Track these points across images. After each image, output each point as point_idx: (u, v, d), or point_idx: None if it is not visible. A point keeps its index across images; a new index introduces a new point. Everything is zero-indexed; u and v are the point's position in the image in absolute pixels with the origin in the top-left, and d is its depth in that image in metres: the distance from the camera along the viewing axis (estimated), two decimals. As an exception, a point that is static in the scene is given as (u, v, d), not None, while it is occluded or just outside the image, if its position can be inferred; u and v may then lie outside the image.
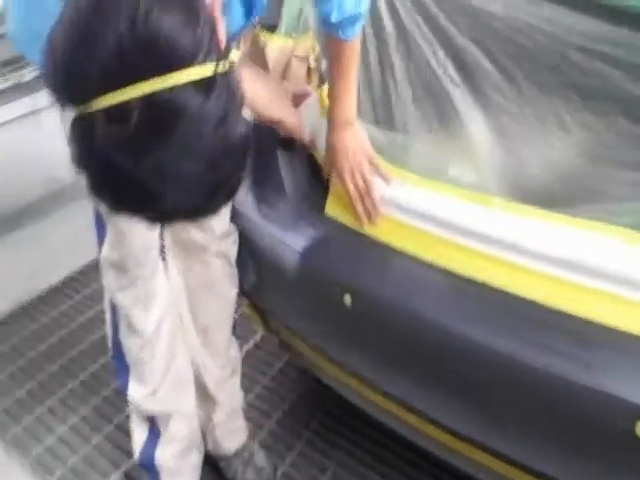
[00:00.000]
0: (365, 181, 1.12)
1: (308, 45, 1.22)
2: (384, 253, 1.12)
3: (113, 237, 1.16)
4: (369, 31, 1.16)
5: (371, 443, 1.55)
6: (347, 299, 1.11)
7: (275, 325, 1.41)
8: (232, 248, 1.33)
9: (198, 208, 0.66)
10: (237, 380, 1.49)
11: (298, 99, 1.24)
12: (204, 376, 1.42)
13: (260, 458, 1.50)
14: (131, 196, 0.61)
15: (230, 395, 1.46)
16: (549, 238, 0.97)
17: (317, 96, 1.22)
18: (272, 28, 1.23)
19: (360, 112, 1.18)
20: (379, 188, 1.11)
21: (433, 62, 1.11)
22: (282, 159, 1.25)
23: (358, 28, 1.03)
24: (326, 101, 1.16)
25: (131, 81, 0.55)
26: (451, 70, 1.10)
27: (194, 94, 0.57)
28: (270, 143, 1.26)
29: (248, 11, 0.96)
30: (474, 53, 1.08)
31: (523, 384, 0.96)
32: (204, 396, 1.42)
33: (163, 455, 1.35)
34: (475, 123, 1.10)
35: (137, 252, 1.17)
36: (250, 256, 1.35)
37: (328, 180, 1.20)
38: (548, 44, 1.01)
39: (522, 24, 1.03)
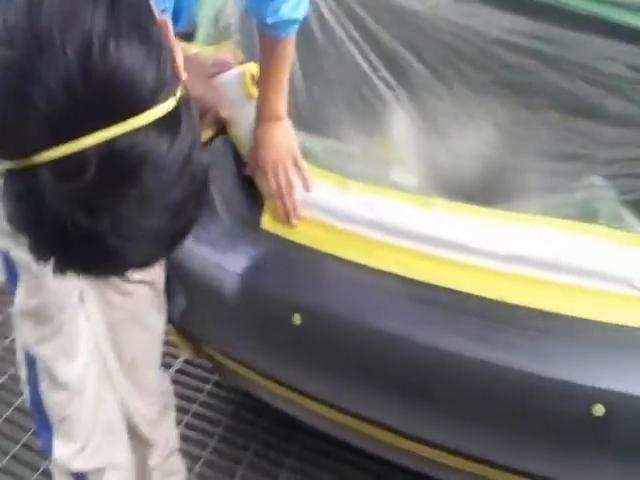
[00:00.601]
0: (287, 180, 1.15)
1: (229, 53, 1.22)
2: (330, 265, 1.14)
3: (28, 283, 1.10)
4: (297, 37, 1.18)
5: (317, 455, 1.59)
6: (297, 318, 1.12)
7: (210, 351, 1.38)
8: (159, 274, 1.30)
9: (157, 257, 0.63)
10: (171, 417, 1.45)
11: (218, 67, 1.23)
12: (135, 418, 1.37)
13: None
14: (85, 255, 0.56)
15: (165, 434, 1.43)
16: (495, 235, 1.03)
17: (239, 71, 1.21)
18: (189, 37, 1.22)
19: (293, 120, 1.20)
20: (300, 190, 1.15)
21: (364, 66, 1.15)
22: (211, 177, 1.23)
23: (293, 30, 1.06)
24: (249, 81, 1.17)
25: (85, 132, 0.49)
26: (383, 73, 1.14)
27: (159, 136, 0.52)
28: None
29: (175, 19, 0.94)
30: (405, 55, 1.13)
31: (480, 382, 1.02)
32: (137, 440, 1.38)
33: None
34: (410, 125, 1.15)
35: (59, 295, 1.13)
36: (180, 282, 1.32)
37: (262, 194, 1.20)
38: (476, 42, 1.09)
39: (450, 24, 1.10)
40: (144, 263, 0.62)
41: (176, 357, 1.80)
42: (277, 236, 1.19)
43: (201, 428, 1.67)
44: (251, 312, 1.21)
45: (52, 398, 1.20)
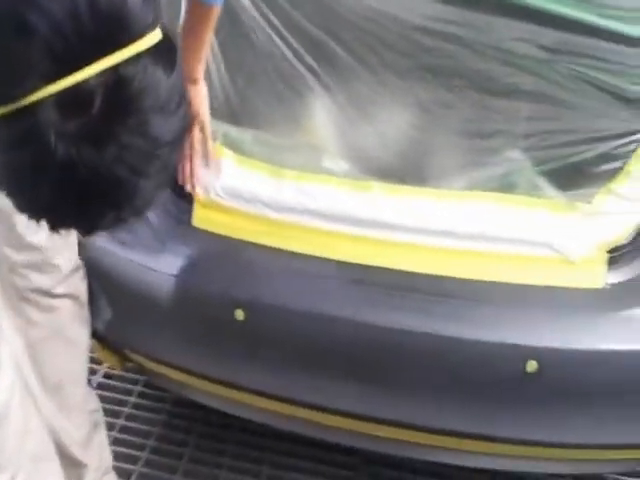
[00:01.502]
0: (191, 147, 1.25)
1: None
2: (267, 257, 1.24)
3: None
4: (221, 27, 1.27)
5: (255, 450, 1.70)
6: (239, 314, 1.20)
7: (140, 359, 1.43)
8: (81, 285, 1.35)
9: (159, 193, 0.68)
10: (102, 435, 1.50)
11: None
12: (64, 440, 1.40)
13: None
14: (92, 196, 0.60)
15: (97, 453, 1.47)
16: (428, 213, 1.18)
17: None
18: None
19: (220, 112, 1.29)
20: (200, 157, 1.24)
21: (288, 55, 1.27)
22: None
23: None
24: None
25: (88, 60, 0.55)
26: (307, 60, 1.26)
27: (157, 65, 0.59)
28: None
29: None
30: (327, 42, 1.27)
31: (423, 354, 1.18)
32: (69, 462, 1.42)
33: None
34: (336, 111, 1.28)
35: None
36: (107, 291, 1.36)
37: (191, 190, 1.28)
38: (397, 29, 1.24)
39: (371, 11, 1.24)
40: (149, 201, 0.67)
41: (95, 371, 1.84)
42: (210, 232, 1.28)
43: (131, 442, 1.72)
44: (189, 313, 1.29)
45: None
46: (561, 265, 1.17)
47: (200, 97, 1.24)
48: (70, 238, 1.29)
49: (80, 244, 1.33)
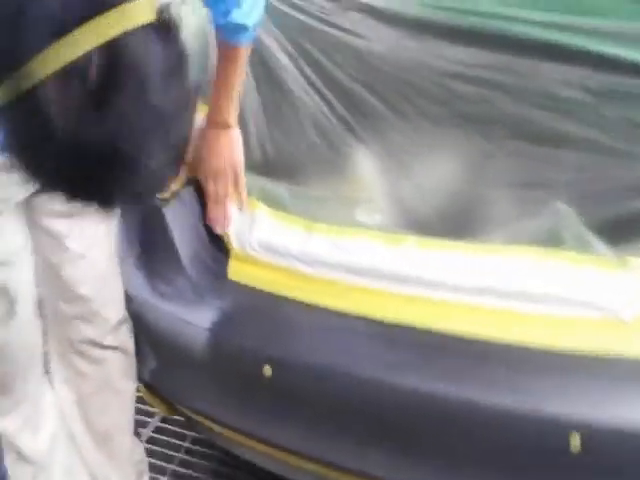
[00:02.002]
0: (224, 191, 1.23)
1: None
2: (298, 311, 1.17)
3: None
4: (252, 82, 1.26)
5: None
6: (267, 370, 1.14)
7: (183, 409, 1.39)
8: (128, 338, 1.34)
9: (166, 170, 0.67)
10: None
11: None
12: None
13: None
14: (103, 170, 0.61)
15: None
16: (465, 269, 1.07)
17: None
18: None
19: (257, 167, 1.26)
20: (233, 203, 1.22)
21: (324, 108, 1.22)
22: (175, 229, 1.28)
23: (245, 38, 1.13)
24: None
25: (83, 19, 0.56)
26: (342, 113, 1.21)
27: (151, 35, 0.60)
28: (160, 216, 1.28)
29: None
30: (362, 94, 1.21)
31: (461, 422, 1.04)
32: None
33: None
34: (372, 163, 1.21)
35: (21, 366, 1.17)
36: (149, 341, 1.34)
37: (227, 244, 1.24)
38: (431, 77, 1.16)
39: (405, 60, 1.18)
40: (156, 179, 0.67)
41: (152, 415, 1.80)
42: (244, 286, 1.23)
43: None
44: (221, 367, 1.23)
45: (16, 473, 1.22)
46: (612, 328, 1.01)
47: (234, 143, 1.22)
48: (117, 291, 1.30)
49: (126, 297, 1.34)
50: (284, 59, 1.26)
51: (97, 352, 1.28)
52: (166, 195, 1.27)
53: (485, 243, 1.08)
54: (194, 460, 1.70)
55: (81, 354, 1.28)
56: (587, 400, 0.97)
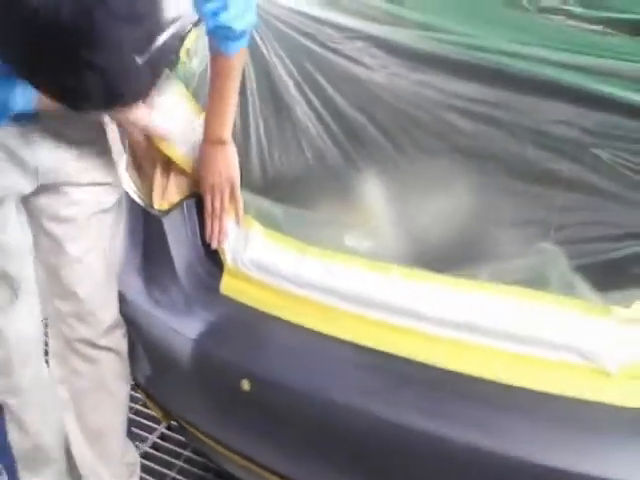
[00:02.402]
0: (221, 206, 1.22)
1: None
2: (282, 331, 1.15)
3: None
4: (257, 104, 1.26)
5: None
6: (245, 384, 1.12)
7: (174, 416, 1.38)
8: (122, 341, 1.35)
9: (126, 79, 0.73)
10: None
11: None
12: None
13: None
14: (68, 53, 0.67)
15: None
16: (447, 302, 1.03)
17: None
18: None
19: (254, 187, 1.25)
20: (230, 218, 1.23)
21: (324, 134, 1.20)
22: (172, 239, 1.28)
23: (235, 45, 1.12)
24: None
25: None
26: (341, 140, 1.19)
27: None
28: (158, 225, 1.28)
29: None
30: (361, 121, 1.18)
31: (430, 455, 1.00)
32: None
33: None
34: (367, 192, 1.18)
35: (21, 352, 1.20)
36: (143, 347, 1.34)
37: (222, 259, 1.23)
38: (430, 109, 1.13)
39: (406, 92, 1.14)
40: (116, 73, 0.72)
41: (150, 432, 1.79)
42: (235, 301, 1.22)
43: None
44: (203, 377, 1.22)
45: (17, 441, 1.30)
46: (594, 376, 0.95)
47: (229, 158, 1.21)
48: (111, 295, 1.31)
49: (124, 302, 1.35)
50: (289, 83, 1.25)
51: (91, 352, 1.30)
52: (166, 206, 1.27)
53: (470, 278, 1.04)
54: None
55: (76, 352, 1.29)
56: (562, 445, 0.91)
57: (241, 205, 1.22)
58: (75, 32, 0.67)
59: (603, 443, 0.92)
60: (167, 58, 0.81)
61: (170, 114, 1.23)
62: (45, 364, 1.33)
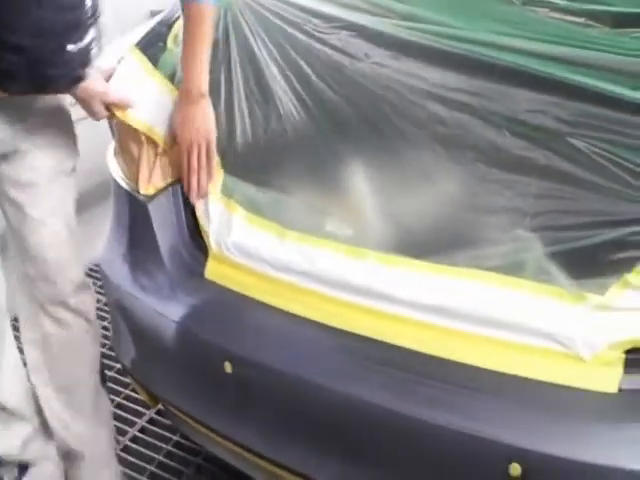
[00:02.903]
0: (199, 161, 1.19)
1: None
2: (262, 314, 1.13)
3: None
4: (239, 87, 1.23)
5: None
6: (227, 367, 1.10)
7: (159, 399, 1.36)
8: (91, 303, 1.35)
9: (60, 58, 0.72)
10: (107, 432, 1.47)
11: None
12: (67, 438, 1.39)
13: None
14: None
15: (97, 448, 1.44)
16: (421, 287, 1.01)
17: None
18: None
19: (239, 172, 1.22)
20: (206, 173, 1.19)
21: (309, 121, 1.17)
22: (157, 224, 1.25)
23: None
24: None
25: None
26: (326, 128, 1.16)
27: None
28: (144, 210, 1.26)
29: None
30: (343, 108, 1.15)
31: (406, 436, 0.98)
32: (68, 454, 1.41)
33: None
34: (348, 179, 1.16)
35: None
36: (128, 331, 1.32)
37: (207, 244, 1.21)
38: (412, 98, 1.10)
39: (388, 80, 1.12)
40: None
41: (132, 425, 1.75)
42: (218, 285, 1.19)
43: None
44: (187, 360, 1.19)
45: None
46: (567, 361, 0.92)
47: (206, 113, 1.18)
48: (75, 257, 1.29)
49: (110, 286, 1.33)
50: (274, 70, 1.21)
51: (62, 314, 1.29)
52: (151, 191, 1.25)
53: (443, 264, 1.02)
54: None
55: (48, 315, 1.29)
56: (532, 429, 0.90)
57: (214, 162, 1.20)
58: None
59: (576, 427, 0.90)
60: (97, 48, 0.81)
61: (130, 83, 1.21)
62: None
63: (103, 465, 1.46)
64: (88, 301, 1.33)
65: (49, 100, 1.18)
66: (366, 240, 1.09)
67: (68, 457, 1.41)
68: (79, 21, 0.76)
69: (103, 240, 1.43)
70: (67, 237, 1.27)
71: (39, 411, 1.37)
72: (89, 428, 1.40)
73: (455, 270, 1.00)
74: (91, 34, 0.82)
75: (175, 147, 1.22)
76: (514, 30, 1.10)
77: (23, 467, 1.36)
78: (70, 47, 0.77)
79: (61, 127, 1.23)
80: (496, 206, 1.01)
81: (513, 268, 0.97)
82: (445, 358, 0.98)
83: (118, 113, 1.22)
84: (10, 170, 1.18)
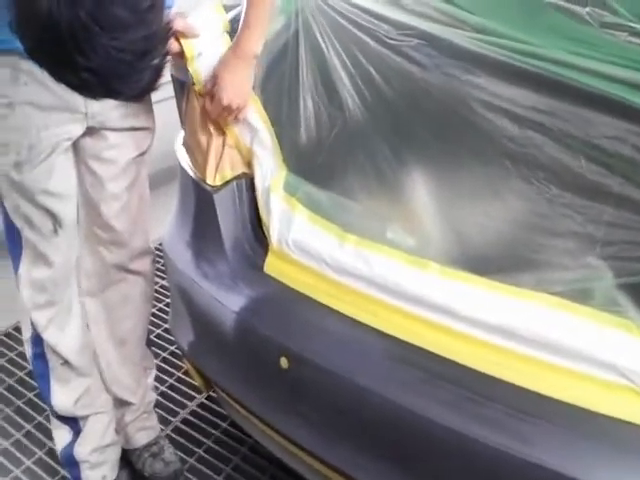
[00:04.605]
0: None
1: None
2: (321, 314, 1.01)
3: (31, 256, 1.13)
4: (306, 88, 1.10)
5: None
6: (284, 362, 1.00)
7: (214, 385, 1.27)
8: (150, 266, 1.31)
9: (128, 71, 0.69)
10: (150, 385, 1.45)
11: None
12: (119, 389, 1.36)
13: (169, 453, 1.44)
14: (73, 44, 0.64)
15: (144, 398, 1.42)
16: (483, 305, 0.89)
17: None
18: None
19: (303, 171, 1.10)
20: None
21: (374, 127, 1.04)
22: (222, 216, 1.14)
23: None
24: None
25: None
26: (391, 136, 1.03)
27: None
28: (209, 200, 1.15)
29: None
30: (415, 123, 1.01)
31: (461, 454, 0.86)
32: (116, 401, 1.38)
33: (83, 450, 1.31)
34: (414, 189, 1.03)
35: (60, 273, 1.15)
36: (188, 315, 1.22)
37: (268, 239, 1.10)
38: (483, 113, 0.95)
39: (458, 93, 0.97)
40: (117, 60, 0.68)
41: (183, 408, 1.64)
42: (277, 281, 1.08)
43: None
44: (243, 350, 1.09)
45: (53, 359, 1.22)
46: (631, 396, 0.81)
47: (252, 75, 1.05)
48: (143, 227, 1.24)
49: (174, 270, 1.24)
50: (342, 74, 1.07)
51: (123, 274, 1.25)
52: (218, 182, 1.13)
53: (509, 284, 0.89)
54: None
55: (109, 272, 1.24)
56: (589, 460, 0.78)
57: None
58: (70, 40, 0.65)
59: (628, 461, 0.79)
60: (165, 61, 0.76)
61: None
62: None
63: (148, 412, 1.44)
64: (148, 264, 1.29)
65: None
66: (428, 251, 0.97)
67: (118, 406, 1.38)
68: (151, 47, 0.72)
69: (166, 220, 1.33)
70: (137, 210, 1.21)
71: (96, 365, 1.31)
72: (137, 380, 1.38)
73: (519, 291, 0.87)
74: (162, 51, 0.75)
75: (209, 94, 1.07)
76: (591, 52, 0.95)
77: (80, 420, 1.30)
78: (142, 66, 0.72)
79: (149, 110, 1.16)
80: (566, 230, 0.88)
81: (581, 295, 0.84)
82: (499, 378, 0.86)
83: (181, 40, 1.05)
84: (93, 144, 1.11)
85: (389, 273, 0.96)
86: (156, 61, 0.72)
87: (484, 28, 1.04)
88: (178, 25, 1.00)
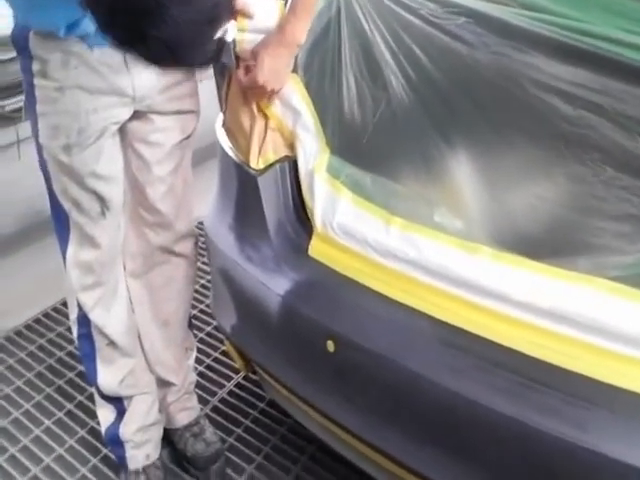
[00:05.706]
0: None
1: None
2: (368, 298, 1.01)
3: (78, 238, 1.14)
4: (349, 69, 1.07)
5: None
6: (330, 345, 1.00)
7: (256, 366, 1.28)
8: (193, 248, 1.31)
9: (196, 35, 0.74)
10: (190, 364, 1.46)
11: None
12: (162, 370, 1.38)
13: (210, 433, 1.45)
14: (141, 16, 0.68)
15: (184, 378, 1.43)
16: (537, 289, 0.87)
17: None
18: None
19: (347, 154, 1.08)
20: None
21: (420, 108, 1.01)
22: (265, 199, 1.14)
23: None
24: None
25: None
26: (438, 117, 1.00)
27: None
28: (253, 183, 1.14)
29: None
30: (462, 103, 0.98)
31: (513, 439, 0.86)
32: (159, 382, 1.40)
33: (128, 430, 1.33)
34: (462, 171, 1.01)
35: (107, 255, 1.16)
36: (231, 297, 1.23)
37: (312, 222, 1.09)
38: (534, 92, 0.93)
39: (510, 72, 0.94)
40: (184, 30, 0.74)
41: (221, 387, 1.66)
42: (321, 264, 1.08)
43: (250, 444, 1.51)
44: (288, 333, 1.10)
45: (99, 339, 1.24)
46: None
47: (291, 63, 1.04)
48: (188, 210, 1.24)
49: (217, 252, 1.24)
50: (386, 54, 1.04)
51: (167, 255, 1.26)
52: (262, 166, 1.12)
53: (564, 268, 0.88)
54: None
55: (153, 253, 1.24)
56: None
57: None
58: (141, 12, 0.69)
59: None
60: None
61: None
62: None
63: (189, 392, 1.45)
64: (191, 246, 1.28)
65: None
66: (478, 235, 0.95)
67: (161, 387, 1.39)
68: (217, 15, 0.76)
69: (207, 200, 1.33)
70: (182, 193, 1.21)
71: (140, 345, 1.32)
72: (179, 361, 1.39)
73: (575, 275, 0.86)
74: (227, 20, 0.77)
75: (245, 67, 1.05)
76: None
77: (124, 400, 1.32)
78: (209, 35, 0.76)
79: (194, 94, 1.14)
80: (623, 213, 0.85)
81: (635, 280, 0.83)
82: (552, 363, 0.85)
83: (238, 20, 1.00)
84: (140, 128, 1.11)
85: (438, 257, 0.95)
86: (220, 31, 0.74)
87: (533, 5, 1.00)
88: (238, 3, 0.98)
